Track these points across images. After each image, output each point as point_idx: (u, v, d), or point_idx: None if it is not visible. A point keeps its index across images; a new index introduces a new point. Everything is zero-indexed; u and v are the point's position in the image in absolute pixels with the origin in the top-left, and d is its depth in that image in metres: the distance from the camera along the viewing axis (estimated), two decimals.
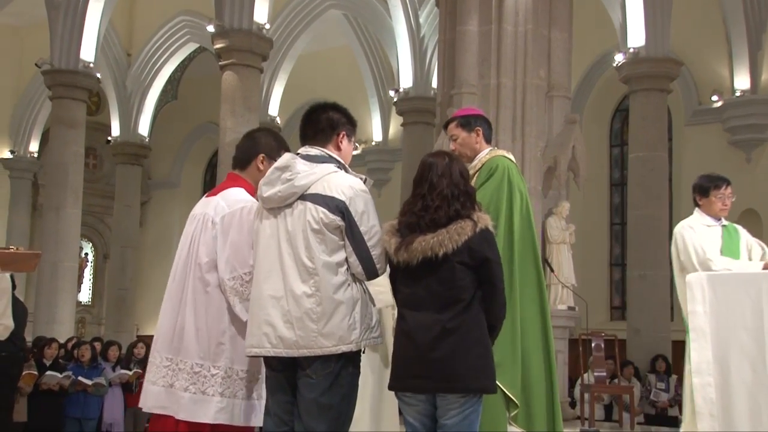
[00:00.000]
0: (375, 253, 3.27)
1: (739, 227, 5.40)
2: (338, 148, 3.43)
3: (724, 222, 5.36)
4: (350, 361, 3.27)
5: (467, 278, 3.27)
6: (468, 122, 4.31)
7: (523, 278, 4.20)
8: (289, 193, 3.28)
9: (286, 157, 3.37)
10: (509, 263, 4.10)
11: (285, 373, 3.31)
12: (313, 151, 3.39)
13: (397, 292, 3.39)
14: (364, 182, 3.37)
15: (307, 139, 3.45)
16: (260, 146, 3.73)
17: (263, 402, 3.49)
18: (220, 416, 3.49)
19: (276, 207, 3.33)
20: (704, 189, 5.38)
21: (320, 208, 3.24)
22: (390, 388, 3.40)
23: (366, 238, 3.26)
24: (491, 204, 4.11)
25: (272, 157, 3.66)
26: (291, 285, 3.23)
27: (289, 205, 3.29)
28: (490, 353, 3.34)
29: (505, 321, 3.86)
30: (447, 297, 3.26)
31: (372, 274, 3.30)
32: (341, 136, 3.43)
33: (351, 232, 3.24)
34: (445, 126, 4.44)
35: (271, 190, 3.31)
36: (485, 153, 4.34)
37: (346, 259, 3.26)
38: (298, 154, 3.39)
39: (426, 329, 3.23)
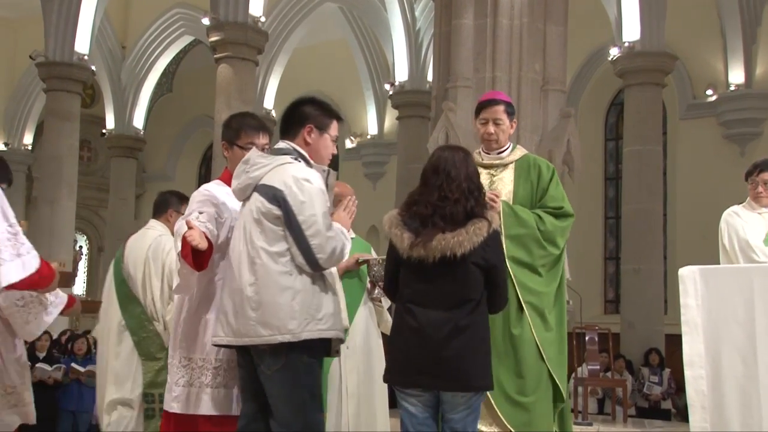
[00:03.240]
0: (314, 242, 3.20)
1: None
2: (306, 142, 3.43)
3: None
4: (302, 351, 3.22)
5: (479, 279, 3.30)
6: (512, 111, 4.24)
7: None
8: (245, 185, 3.34)
9: (250, 152, 3.43)
10: (560, 259, 4.20)
11: (248, 369, 3.32)
12: (281, 144, 3.44)
13: (404, 287, 3.35)
14: (327, 174, 3.37)
15: (282, 133, 3.51)
16: (223, 134, 3.80)
17: (231, 390, 3.49)
18: (174, 405, 3.54)
19: (243, 200, 3.39)
20: (745, 175, 5.17)
21: (261, 198, 3.27)
22: (391, 383, 3.38)
23: (304, 227, 3.20)
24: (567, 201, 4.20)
25: (231, 141, 3.72)
26: (241, 275, 3.26)
27: (248, 198, 3.35)
28: (490, 352, 3.38)
29: (555, 317, 4.02)
30: (459, 296, 3.27)
31: (313, 264, 3.23)
32: (308, 130, 3.43)
33: (289, 222, 3.22)
34: (485, 106, 4.20)
35: (235, 183, 3.40)
36: (513, 146, 4.29)
37: (289, 250, 3.23)
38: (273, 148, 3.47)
39: (437, 327, 3.23)
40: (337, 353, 3.46)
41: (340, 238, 3.28)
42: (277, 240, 3.23)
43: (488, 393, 3.70)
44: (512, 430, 3.93)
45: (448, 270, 3.24)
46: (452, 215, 3.28)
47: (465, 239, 3.23)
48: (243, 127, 3.71)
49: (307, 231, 3.20)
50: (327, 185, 3.37)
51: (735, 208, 5.14)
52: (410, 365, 3.26)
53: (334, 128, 3.49)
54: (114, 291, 4.74)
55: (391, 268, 3.42)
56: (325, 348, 3.33)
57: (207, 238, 3.34)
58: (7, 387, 3.75)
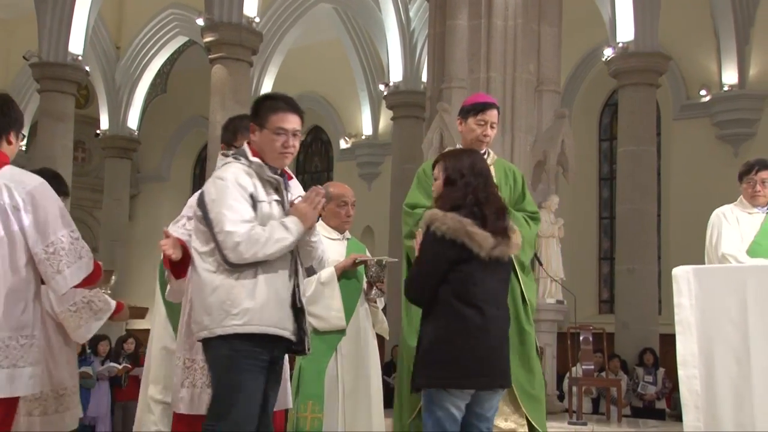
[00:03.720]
0: (219, 239, 3.18)
1: None
2: (252, 141, 3.40)
3: None
4: (221, 345, 3.18)
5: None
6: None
7: None
8: None
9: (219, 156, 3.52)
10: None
11: None
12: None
13: (470, 286, 3.23)
14: (262, 169, 3.29)
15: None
16: (221, 136, 3.87)
17: None
18: (180, 405, 3.58)
19: None
20: (739, 175, 5.08)
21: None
22: (445, 386, 3.24)
23: (213, 224, 3.20)
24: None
25: (229, 143, 3.78)
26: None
27: None
28: None
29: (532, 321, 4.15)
30: (504, 294, 3.36)
31: (224, 259, 3.19)
32: (251, 128, 3.40)
33: (206, 220, 3.25)
34: (486, 108, 4.29)
35: None
36: (488, 150, 4.39)
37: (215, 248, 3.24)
38: None
39: (498, 326, 3.28)
40: (304, 352, 3.34)
41: (252, 235, 3.16)
42: (206, 240, 3.25)
43: (514, 388, 3.89)
44: (535, 425, 4.01)
45: (504, 269, 3.34)
46: (506, 216, 3.35)
47: (519, 239, 3.35)
48: (239, 129, 3.77)
49: (215, 228, 3.20)
50: (262, 180, 3.30)
51: (725, 208, 5.10)
52: (476, 365, 3.19)
53: (276, 121, 3.33)
54: (158, 288, 4.86)
55: (443, 268, 3.25)
56: (260, 344, 3.20)
57: (185, 246, 3.36)
58: (58, 389, 3.82)
